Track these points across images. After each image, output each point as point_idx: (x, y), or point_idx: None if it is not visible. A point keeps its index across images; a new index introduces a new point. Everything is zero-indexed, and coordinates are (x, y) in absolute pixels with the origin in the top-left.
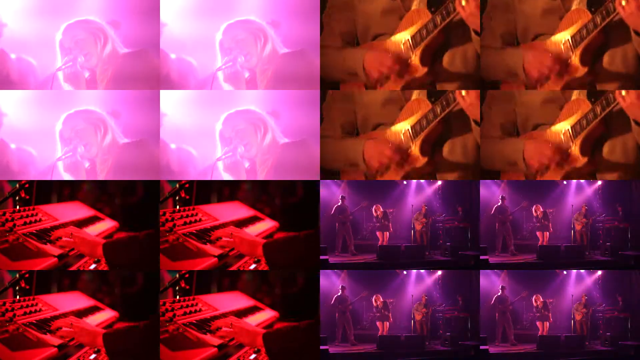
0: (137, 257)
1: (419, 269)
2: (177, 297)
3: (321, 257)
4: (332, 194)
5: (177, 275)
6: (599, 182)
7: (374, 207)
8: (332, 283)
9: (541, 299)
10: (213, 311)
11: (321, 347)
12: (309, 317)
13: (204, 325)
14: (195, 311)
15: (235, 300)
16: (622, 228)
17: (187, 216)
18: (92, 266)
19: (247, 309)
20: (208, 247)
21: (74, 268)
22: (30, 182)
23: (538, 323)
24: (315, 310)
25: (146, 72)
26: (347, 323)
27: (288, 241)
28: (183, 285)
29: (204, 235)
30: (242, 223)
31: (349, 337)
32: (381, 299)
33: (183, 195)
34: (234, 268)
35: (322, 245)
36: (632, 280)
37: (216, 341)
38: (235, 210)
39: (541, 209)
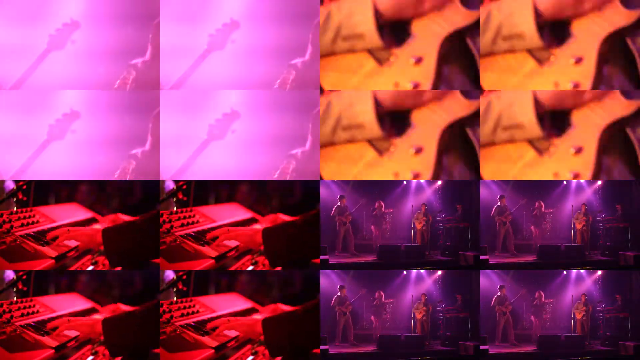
0: (136, 245)
1: (419, 269)
2: (175, 298)
3: (321, 257)
4: (333, 194)
5: (175, 277)
6: (599, 182)
7: (377, 203)
8: (332, 283)
9: (543, 296)
10: (211, 313)
11: (321, 347)
12: (309, 309)
13: (201, 326)
14: (193, 313)
15: (233, 302)
16: (622, 228)
17: (185, 218)
18: (90, 267)
19: (245, 311)
20: (205, 249)
21: (71, 269)
22: (28, 183)
23: (532, 317)
24: (314, 299)
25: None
26: (347, 323)
27: (288, 229)
28: (181, 286)
29: (201, 237)
30: (240, 225)
31: (349, 337)
32: (383, 296)
33: (180, 196)
34: (231, 269)
35: (322, 245)
36: (632, 280)
37: (213, 343)
38: (232, 212)
39: (543, 206)
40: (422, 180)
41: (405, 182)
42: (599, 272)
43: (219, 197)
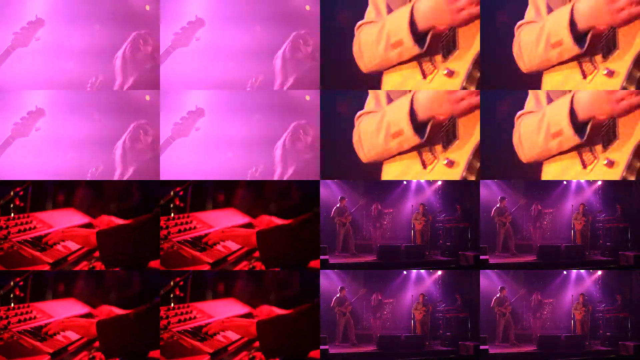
0: (132, 246)
1: (419, 269)
2: (172, 304)
3: (321, 257)
4: (332, 194)
5: (172, 283)
6: (599, 182)
7: (374, 205)
8: (332, 283)
9: (539, 297)
10: (207, 318)
11: (321, 347)
12: (305, 312)
13: (198, 332)
14: (190, 319)
15: (230, 307)
16: (622, 228)
17: (182, 224)
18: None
19: (242, 316)
20: (202, 255)
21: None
22: (25, 188)
23: (532, 317)
24: (311, 302)
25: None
26: (347, 323)
27: (283, 230)
28: (177, 292)
29: (198, 242)
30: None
31: (350, 338)
32: (381, 297)
33: (177, 202)
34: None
35: (322, 245)
36: (632, 280)
37: (210, 349)
38: (229, 217)
39: (539, 207)
40: (422, 181)
41: (405, 182)
42: (599, 272)
43: (216, 201)
